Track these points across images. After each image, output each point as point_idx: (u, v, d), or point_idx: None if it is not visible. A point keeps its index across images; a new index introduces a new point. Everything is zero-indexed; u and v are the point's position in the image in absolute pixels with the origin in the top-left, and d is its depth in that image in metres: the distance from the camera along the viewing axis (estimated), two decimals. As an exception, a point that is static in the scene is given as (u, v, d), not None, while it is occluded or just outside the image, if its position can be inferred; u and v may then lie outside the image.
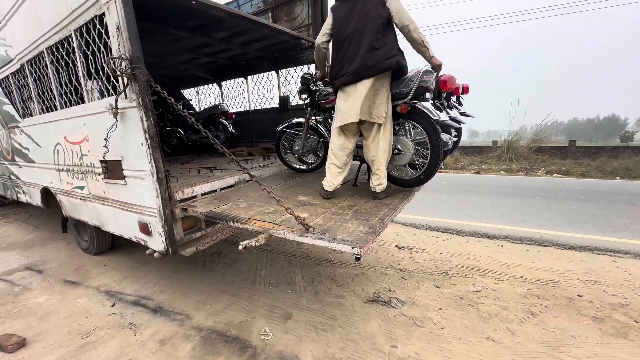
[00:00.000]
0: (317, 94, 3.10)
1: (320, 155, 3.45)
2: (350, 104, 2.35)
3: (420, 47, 2.26)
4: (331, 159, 2.57)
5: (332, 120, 3.20)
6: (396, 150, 2.60)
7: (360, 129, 2.55)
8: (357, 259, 1.66)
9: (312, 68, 4.69)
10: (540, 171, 10.16)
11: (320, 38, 2.52)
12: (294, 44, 4.51)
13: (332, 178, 2.55)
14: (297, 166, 3.60)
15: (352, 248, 1.65)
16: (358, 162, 3.11)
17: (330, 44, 2.54)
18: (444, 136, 2.51)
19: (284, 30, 4.06)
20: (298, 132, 3.38)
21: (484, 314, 2.54)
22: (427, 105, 2.43)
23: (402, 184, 2.79)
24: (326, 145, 3.32)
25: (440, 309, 2.63)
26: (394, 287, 2.98)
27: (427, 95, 2.47)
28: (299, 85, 3.18)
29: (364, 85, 2.29)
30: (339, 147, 2.53)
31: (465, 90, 3.38)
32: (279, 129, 3.47)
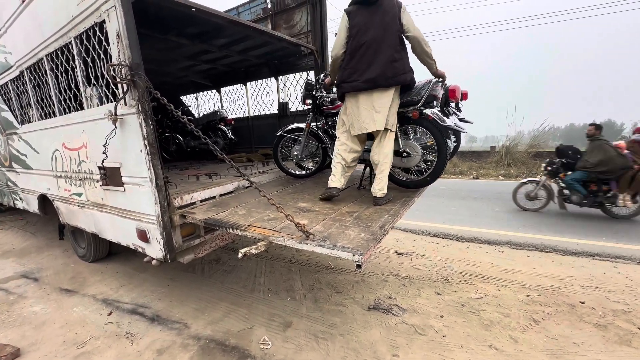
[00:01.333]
0: (320, 99, 3.14)
1: (318, 160, 3.45)
2: (368, 112, 2.41)
3: (428, 60, 2.42)
4: (338, 159, 2.65)
5: (333, 124, 3.23)
6: (405, 154, 2.69)
7: (367, 135, 2.62)
8: (359, 266, 1.64)
9: (312, 74, 4.71)
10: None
11: (339, 50, 2.49)
12: (293, 51, 4.54)
13: (340, 176, 2.63)
14: (295, 172, 3.60)
15: (353, 255, 1.63)
16: (362, 166, 3.15)
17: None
18: (448, 141, 2.62)
19: (283, 37, 4.08)
20: (297, 137, 3.38)
21: (486, 322, 2.52)
22: (436, 112, 2.57)
23: (409, 186, 2.87)
24: (324, 150, 3.33)
25: (441, 316, 2.60)
26: (395, 294, 2.95)
27: (434, 102, 2.61)
28: (303, 90, 3.24)
29: (387, 97, 2.38)
30: (347, 150, 2.61)
31: (464, 96, 3.39)
32: (278, 133, 3.47)
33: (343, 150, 2.62)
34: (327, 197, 2.61)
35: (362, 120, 2.43)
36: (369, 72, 2.33)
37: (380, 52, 2.32)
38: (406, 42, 2.40)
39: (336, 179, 2.62)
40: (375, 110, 2.38)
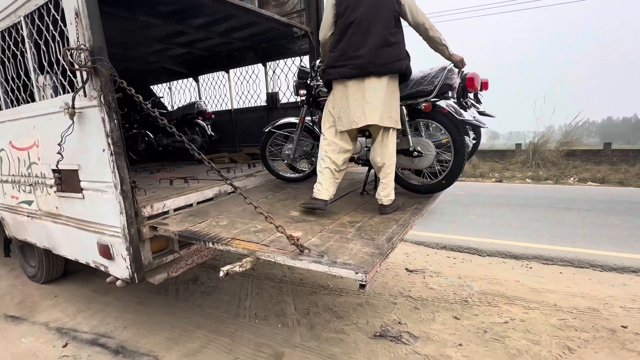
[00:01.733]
0: (315, 89, 3.14)
1: (313, 160, 3.46)
2: (358, 104, 2.34)
3: (438, 45, 2.43)
4: (326, 162, 2.54)
5: None
6: (416, 153, 2.69)
7: (359, 132, 2.59)
8: (362, 286, 1.64)
9: (306, 60, 4.74)
10: (571, 179, 10.28)
11: (326, 32, 2.48)
12: (284, 33, 4.57)
13: (328, 185, 2.53)
14: (287, 175, 3.60)
15: (356, 273, 1.63)
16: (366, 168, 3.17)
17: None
18: (466, 138, 2.63)
19: (272, 16, 4.11)
20: (289, 134, 3.39)
21: (512, 350, 2.52)
22: (451, 104, 2.56)
23: (420, 191, 2.89)
24: None
25: (460, 344, 2.61)
26: (405, 319, 2.96)
27: (450, 93, 2.62)
28: (296, 79, 3.27)
29: (380, 86, 2.32)
30: (337, 150, 2.53)
31: (484, 86, 3.43)
32: (266, 129, 3.48)
33: (331, 151, 2.52)
34: (309, 209, 2.51)
35: (352, 113, 2.36)
36: (359, 56, 2.29)
37: (371, 32, 2.28)
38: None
39: (323, 189, 2.51)
40: (365, 101, 2.32)
